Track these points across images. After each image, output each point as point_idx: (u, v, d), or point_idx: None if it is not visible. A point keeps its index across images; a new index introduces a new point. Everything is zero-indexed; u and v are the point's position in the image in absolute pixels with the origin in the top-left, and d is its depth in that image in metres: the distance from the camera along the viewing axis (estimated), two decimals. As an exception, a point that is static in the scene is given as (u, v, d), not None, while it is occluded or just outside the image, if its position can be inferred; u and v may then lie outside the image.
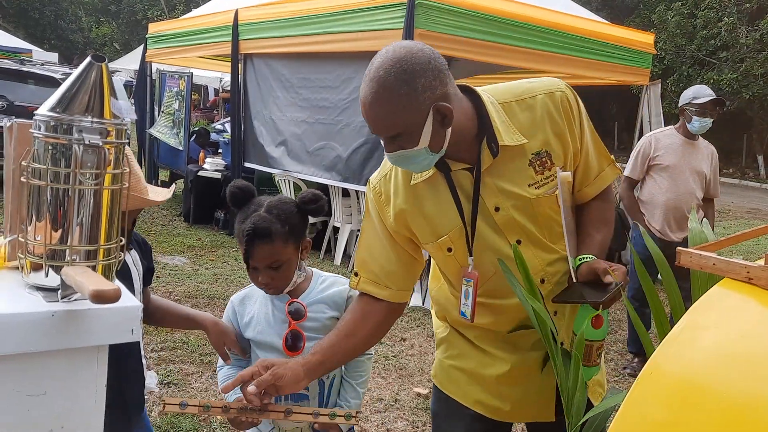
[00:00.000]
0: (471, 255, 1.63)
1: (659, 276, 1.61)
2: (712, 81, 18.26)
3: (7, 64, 10.36)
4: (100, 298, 0.84)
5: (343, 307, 1.88)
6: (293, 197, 2.12)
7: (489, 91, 1.63)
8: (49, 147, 0.97)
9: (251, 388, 1.54)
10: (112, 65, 21.21)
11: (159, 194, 1.66)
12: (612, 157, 1.78)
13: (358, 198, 6.86)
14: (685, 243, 1.88)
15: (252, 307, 1.89)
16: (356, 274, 1.76)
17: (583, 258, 1.63)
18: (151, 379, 1.89)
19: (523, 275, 1.58)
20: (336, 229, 7.22)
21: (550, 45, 6.38)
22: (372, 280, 1.73)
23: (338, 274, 2.14)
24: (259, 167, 7.58)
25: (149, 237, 7.54)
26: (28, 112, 7.73)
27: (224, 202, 7.96)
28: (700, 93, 4.40)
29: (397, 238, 1.70)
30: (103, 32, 29.67)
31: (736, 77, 18.13)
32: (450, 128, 1.50)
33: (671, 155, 4.43)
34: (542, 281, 1.66)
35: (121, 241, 1.04)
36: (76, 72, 0.99)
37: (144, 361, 1.85)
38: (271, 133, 7.58)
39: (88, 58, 0.98)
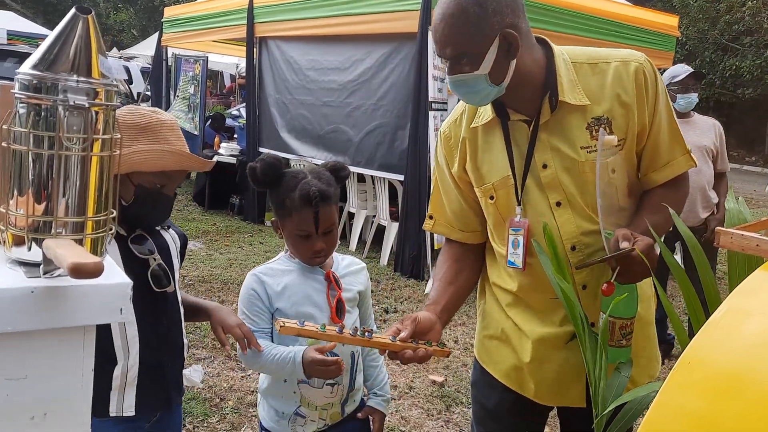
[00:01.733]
0: (519, 204, 1.63)
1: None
2: (734, 67, 17.94)
3: (22, 47, 10.35)
4: (79, 272, 0.76)
5: (365, 282, 1.97)
6: None
7: (565, 49, 1.63)
8: (32, 109, 0.89)
9: (403, 334, 1.56)
10: (130, 51, 21.22)
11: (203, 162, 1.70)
12: (689, 148, 1.70)
13: (373, 183, 6.76)
14: (696, 230, 1.79)
15: (284, 279, 1.84)
16: (431, 217, 1.88)
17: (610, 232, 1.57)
18: (195, 373, 1.80)
19: (551, 252, 1.50)
20: (351, 215, 7.13)
21: (571, 27, 6.25)
22: (444, 223, 1.84)
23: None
24: (274, 152, 7.52)
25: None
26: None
27: (239, 187, 7.92)
28: (677, 71, 4.37)
29: (461, 184, 1.75)
30: (120, 18, 29.69)
31: (760, 63, 17.76)
32: (514, 61, 1.51)
33: None
34: (573, 248, 1.62)
35: (112, 213, 0.95)
36: (59, 26, 0.90)
37: (185, 339, 1.78)
38: (284, 117, 7.51)
39: (73, 10, 0.89)
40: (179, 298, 1.75)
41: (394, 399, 3.66)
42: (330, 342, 1.61)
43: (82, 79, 0.88)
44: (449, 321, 1.74)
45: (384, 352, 1.58)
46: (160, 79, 10.05)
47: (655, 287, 1.58)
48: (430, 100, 5.90)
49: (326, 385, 1.81)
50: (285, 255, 1.91)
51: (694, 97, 4.28)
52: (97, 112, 0.90)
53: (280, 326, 1.50)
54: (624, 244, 1.46)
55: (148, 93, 11.23)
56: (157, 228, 1.72)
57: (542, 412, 1.82)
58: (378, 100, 6.47)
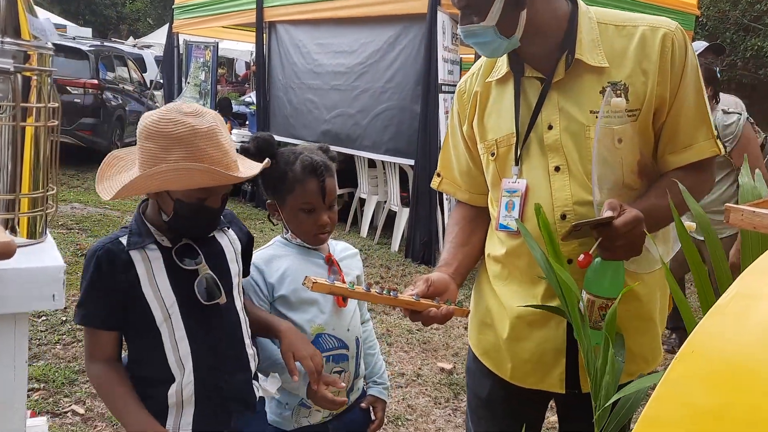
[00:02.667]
0: (517, 164, 1.56)
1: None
2: (756, 47, 17.53)
3: (36, 37, 10.32)
4: (-16, 252, 0.67)
5: (361, 269, 1.92)
6: None
7: (594, 9, 1.56)
8: (-46, 74, 0.80)
9: (415, 291, 1.50)
10: (145, 40, 21.21)
11: (250, 168, 1.53)
12: (716, 132, 1.54)
13: (384, 168, 6.66)
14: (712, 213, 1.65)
15: (282, 264, 1.77)
16: (438, 175, 1.84)
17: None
18: (271, 382, 1.65)
19: (545, 236, 1.39)
20: (362, 201, 7.04)
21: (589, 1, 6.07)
22: (451, 182, 1.81)
23: (364, 246, 2.01)
24: (282, 138, 7.44)
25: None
26: (57, 84, 7.71)
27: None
28: (695, 47, 4.14)
29: (470, 143, 1.70)
30: (136, 7, 29.70)
31: (783, 43, 17.33)
32: (524, 12, 1.45)
33: None
34: (563, 217, 1.50)
35: (51, 189, 0.87)
36: (-19, -19, 0.81)
37: (251, 349, 1.61)
38: (292, 103, 7.43)
39: (-6, -38, 0.80)
40: (239, 306, 1.60)
41: (401, 387, 3.58)
42: (356, 298, 1.55)
43: (8, 40, 0.79)
44: (462, 284, 1.66)
45: (407, 312, 1.50)
46: (172, 66, 10.00)
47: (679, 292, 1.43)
48: (440, 82, 5.78)
49: (334, 372, 1.75)
50: (280, 239, 1.83)
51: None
52: (28, 78, 0.81)
53: (313, 283, 1.42)
54: (607, 213, 1.34)
55: (161, 81, 11.18)
56: (210, 234, 1.59)
57: (539, 403, 1.71)
58: (386, 82, 6.36)
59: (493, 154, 1.61)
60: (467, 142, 1.71)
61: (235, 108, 9.90)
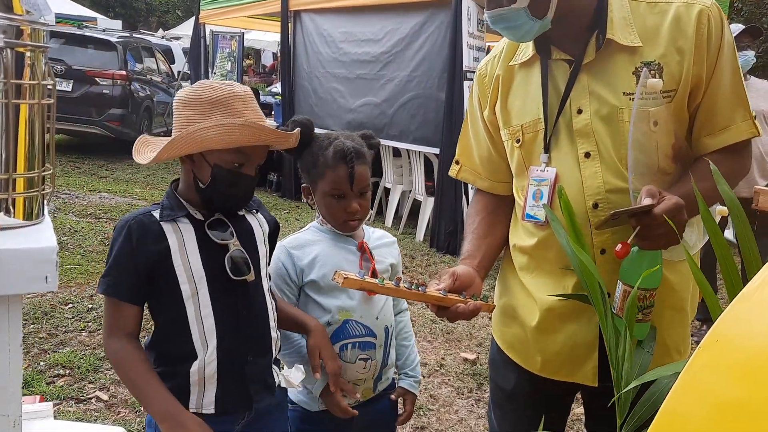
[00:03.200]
0: (546, 151, 1.49)
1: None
2: (795, 33, 17.05)
3: (66, 28, 10.45)
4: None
5: (397, 257, 1.90)
6: None
7: None
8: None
9: (441, 285, 1.46)
10: (174, 32, 21.36)
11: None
12: (753, 113, 1.48)
13: (409, 157, 6.61)
14: (750, 201, 1.55)
15: (314, 249, 1.76)
16: (457, 162, 1.77)
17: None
18: (295, 374, 1.63)
19: (567, 220, 1.34)
20: (387, 191, 7.01)
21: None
22: (471, 169, 1.74)
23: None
24: (308, 127, 7.43)
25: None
26: (86, 76, 7.73)
27: (277, 164, 7.87)
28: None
29: (492, 128, 1.64)
30: (165, -1, 29.94)
31: (823, 28, 16.85)
32: None
33: None
34: (595, 206, 1.44)
35: (48, 169, 0.85)
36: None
37: (274, 333, 1.60)
38: (317, 92, 7.41)
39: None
40: (266, 288, 1.59)
41: (424, 377, 3.55)
42: (386, 294, 1.56)
43: (1, 15, 0.77)
44: (486, 276, 1.61)
45: (434, 308, 1.46)
46: (199, 57, 10.04)
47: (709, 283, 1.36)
48: (464, 69, 5.70)
49: (359, 360, 1.74)
50: (315, 224, 1.83)
51: (750, 55, 3.91)
52: (21, 54, 0.79)
53: (344, 279, 1.39)
54: (646, 201, 1.28)
55: (188, 72, 11.25)
56: (242, 212, 1.58)
57: (565, 395, 1.67)
58: (411, 71, 6.30)
59: (518, 141, 1.54)
60: (488, 128, 1.65)
61: (262, 99, 9.92)
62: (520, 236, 1.59)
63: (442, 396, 3.37)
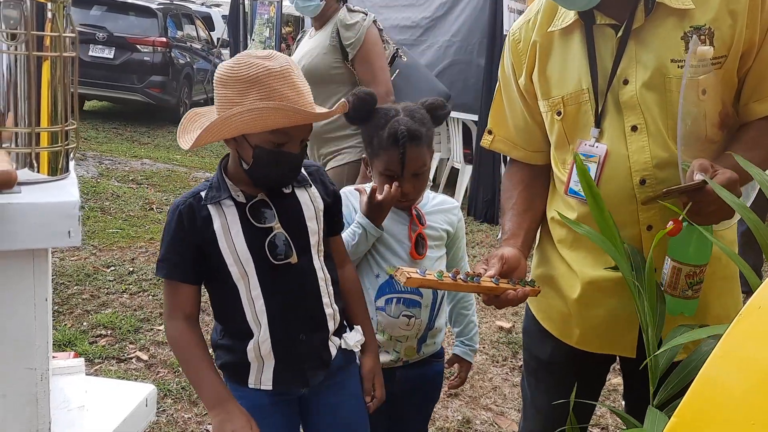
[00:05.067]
0: (598, 125, 1.41)
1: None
2: None
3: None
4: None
5: (456, 223, 1.87)
6: None
7: None
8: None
9: (491, 272, 1.42)
10: (214, -1, 21.35)
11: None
12: None
13: (447, 124, 6.53)
14: None
15: None
16: (489, 132, 1.70)
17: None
18: (354, 335, 1.62)
19: (586, 190, 1.29)
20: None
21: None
22: (505, 138, 1.67)
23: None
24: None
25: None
26: (127, 43, 7.79)
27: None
28: None
29: (528, 97, 1.56)
30: (206, -33, 29.95)
31: None
32: None
33: None
34: (642, 182, 1.38)
35: (72, 124, 0.84)
36: None
37: (329, 308, 1.56)
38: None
39: None
40: (317, 265, 1.55)
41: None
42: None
43: (20, -36, 0.76)
44: (529, 255, 1.57)
45: (485, 297, 1.43)
46: (238, 23, 10.04)
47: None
48: (505, 34, 5.58)
49: (403, 316, 1.74)
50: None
51: None
52: (42, 5, 0.78)
53: (406, 278, 1.38)
54: (698, 176, 1.23)
55: (228, 39, 11.27)
56: (289, 189, 1.53)
57: (602, 365, 1.64)
58: (452, 36, 6.19)
59: (559, 114, 1.47)
60: (524, 96, 1.57)
61: (300, 65, 9.90)
62: (561, 208, 1.53)
63: (477, 364, 3.36)
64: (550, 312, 1.60)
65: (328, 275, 1.57)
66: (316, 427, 1.67)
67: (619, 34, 1.36)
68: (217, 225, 1.43)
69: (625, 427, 1.59)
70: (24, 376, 0.79)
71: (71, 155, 0.85)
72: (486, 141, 1.71)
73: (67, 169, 0.85)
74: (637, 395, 1.58)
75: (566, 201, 1.51)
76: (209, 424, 2.69)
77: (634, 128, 1.37)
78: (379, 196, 1.67)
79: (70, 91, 0.84)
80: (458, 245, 1.89)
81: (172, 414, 2.73)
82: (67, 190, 0.79)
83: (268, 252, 1.45)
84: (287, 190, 1.52)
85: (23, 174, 0.80)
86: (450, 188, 6.63)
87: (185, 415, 2.73)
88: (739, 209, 1.15)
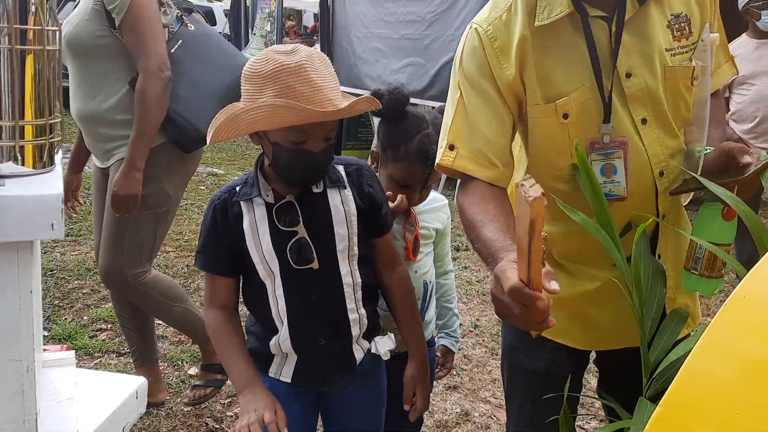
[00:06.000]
0: (607, 121, 1.34)
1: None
2: None
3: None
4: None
5: (444, 221, 1.88)
6: None
7: None
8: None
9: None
10: (215, -7, 21.32)
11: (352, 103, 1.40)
12: (732, 54, 1.51)
13: (449, 117, 6.52)
14: None
15: None
16: (452, 148, 1.37)
17: (709, 149, 1.38)
18: (385, 342, 1.61)
19: (587, 184, 1.28)
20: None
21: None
22: (472, 154, 1.36)
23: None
24: (346, 89, 7.36)
25: (244, 158, 7.58)
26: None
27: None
28: None
29: (509, 99, 1.37)
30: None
31: None
32: None
33: (745, 64, 3.81)
34: (661, 174, 1.39)
35: (56, 118, 0.84)
36: None
37: (355, 314, 1.54)
38: (356, 52, 7.33)
39: None
40: (344, 271, 1.50)
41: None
42: None
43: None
44: None
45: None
46: (239, 18, 10.03)
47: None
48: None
49: None
50: None
51: None
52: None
53: (539, 195, 1.25)
54: (746, 159, 1.27)
55: (229, 33, 11.26)
56: (320, 189, 1.48)
57: (584, 362, 1.64)
58: (455, 30, 6.17)
59: (566, 116, 1.36)
60: (504, 99, 1.38)
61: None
62: (549, 223, 1.44)
63: (476, 356, 3.36)
64: (558, 324, 1.54)
65: (359, 280, 1.53)
66: (333, 425, 1.70)
67: (613, 26, 1.34)
68: (246, 223, 1.45)
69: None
70: (10, 368, 0.79)
71: (56, 148, 0.86)
72: (447, 158, 1.38)
73: (51, 163, 0.85)
74: (613, 387, 1.59)
75: (559, 211, 1.47)
76: (208, 417, 2.71)
77: (644, 121, 1.36)
78: (391, 204, 1.65)
79: (55, 84, 0.84)
80: (444, 242, 1.92)
81: (172, 407, 2.75)
82: (50, 183, 0.79)
83: (289, 255, 1.45)
84: (317, 189, 1.47)
85: (7, 167, 0.81)
86: (451, 181, 6.62)
87: (185, 409, 2.74)
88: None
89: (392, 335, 1.64)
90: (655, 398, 1.21)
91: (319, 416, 1.71)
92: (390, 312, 1.65)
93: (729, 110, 4.01)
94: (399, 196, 1.67)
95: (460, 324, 3.63)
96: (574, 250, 1.50)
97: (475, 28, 1.40)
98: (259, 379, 1.47)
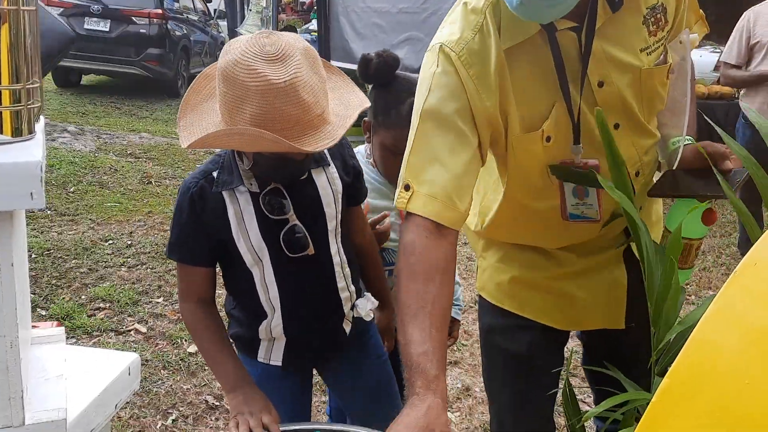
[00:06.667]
0: (578, 142, 1.28)
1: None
2: None
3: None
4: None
5: None
6: None
7: None
8: None
9: None
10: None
11: (341, 124, 1.26)
12: (702, 12, 1.43)
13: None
14: None
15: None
16: (407, 188, 1.20)
17: (687, 140, 1.36)
18: (365, 303, 1.57)
19: (610, 162, 1.24)
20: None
21: None
22: (431, 193, 1.19)
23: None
24: (343, 65, 7.28)
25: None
26: (123, 15, 7.67)
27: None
28: None
29: (482, 132, 1.24)
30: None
31: None
32: None
33: None
34: (637, 174, 1.39)
35: (35, 83, 0.80)
36: None
37: (346, 291, 1.51)
38: (354, 28, 7.24)
39: None
40: (333, 251, 1.47)
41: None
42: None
43: None
44: None
45: None
46: (235, -7, 9.91)
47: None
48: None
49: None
50: (365, 161, 1.76)
51: None
52: (-4, -44, 0.74)
53: None
54: (727, 164, 1.29)
55: (225, 10, 11.14)
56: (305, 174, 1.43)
57: (563, 340, 1.63)
58: (453, 2, 6.09)
59: (548, 139, 1.29)
60: (477, 131, 1.24)
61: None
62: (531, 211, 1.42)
63: (476, 332, 3.34)
64: (537, 304, 1.53)
65: (344, 257, 1.51)
66: (343, 393, 1.68)
67: (583, 36, 1.24)
68: (230, 213, 1.37)
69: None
70: (-8, 344, 0.77)
71: (36, 115, 0.82)
72: (401, 200, 1.20)
73: (32, 130, 0.82)
74: (598, 360, 1.57)
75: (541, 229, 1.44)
76: (208, 394, 2.70)
77: (616, 126, 1.32)
78: (379, 227, 1.68)
79: (36, 47, 0.80)
80: None
81: (171, 385, 2.73)
82: (29, 151, 0.75)
83: (283, 245, 1.39)
84: (303, 175, 1.42)
85: (-16, 135, 0.77)
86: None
87: (184, 386, 2.73)
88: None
89: (369, 295, 1.60)
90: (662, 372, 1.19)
91: (328, 393, 1.71)
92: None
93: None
94: (382, 214, 1.70)
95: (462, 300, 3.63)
96: (549, 235, 1.48)
97: (446, 52, 1.24)
98: (249, 378, 1.41)
